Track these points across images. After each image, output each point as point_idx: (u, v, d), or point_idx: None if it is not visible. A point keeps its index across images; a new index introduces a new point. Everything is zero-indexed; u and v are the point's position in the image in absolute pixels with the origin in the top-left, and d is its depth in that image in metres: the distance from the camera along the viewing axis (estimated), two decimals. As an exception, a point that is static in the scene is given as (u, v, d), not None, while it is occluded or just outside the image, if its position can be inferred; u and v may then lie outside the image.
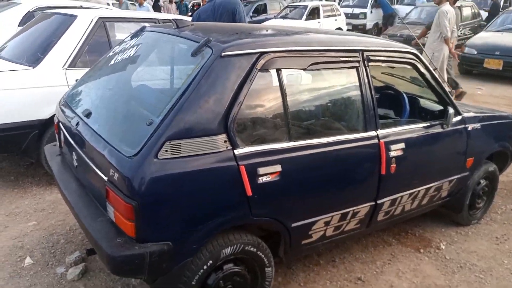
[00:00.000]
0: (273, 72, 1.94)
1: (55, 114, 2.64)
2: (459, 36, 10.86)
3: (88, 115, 2.09)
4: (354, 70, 2.25)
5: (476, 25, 11.38)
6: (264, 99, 1.95)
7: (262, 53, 1.90)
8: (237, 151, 1.80)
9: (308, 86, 2.19)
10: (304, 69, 2.04)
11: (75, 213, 1.97)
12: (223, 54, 1.81)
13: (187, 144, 1.69)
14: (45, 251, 2.78)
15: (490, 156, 3.19)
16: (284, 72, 1.97)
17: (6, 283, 2.44)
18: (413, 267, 2.78)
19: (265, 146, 1.89)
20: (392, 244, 3.03)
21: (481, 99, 7.29)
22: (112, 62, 2.45)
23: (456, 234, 3.22)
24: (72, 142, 2.17)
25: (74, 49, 3.62)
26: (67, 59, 3.58)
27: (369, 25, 15.15)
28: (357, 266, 2.76)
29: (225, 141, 1.77)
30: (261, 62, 1.89)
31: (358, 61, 2.25)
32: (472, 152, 2.92)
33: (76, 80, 3.47)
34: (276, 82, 1.95)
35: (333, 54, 2.15)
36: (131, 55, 2.35)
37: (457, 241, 3.12)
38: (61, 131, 2.42)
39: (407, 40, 8.21)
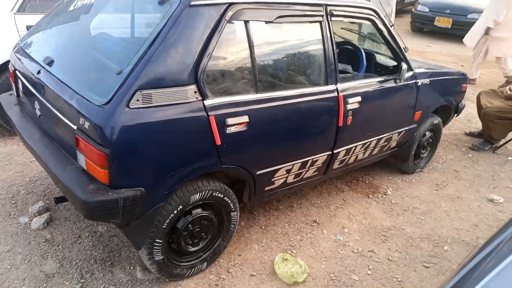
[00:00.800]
0: (241, 23, 1.97)
1: (9, 62, 2.52)
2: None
3: (50, 63, 2.03)
4: (318, 24, 2.32)
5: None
6: (232, 51, 1.98)
7: (231, 4, 1.91)
8: (206, 102, 1.86)
9: (274, 40, 2.24)
10: (271, 22, 2.08)
11: (43, 162, 1.97)
12: (192, 3, 1.81)
13: (158, 94, 1.72)
14: (6, 202, 2.75)
15: (435, 110, 3.46)
16: (251, 24, 2.00)
17: (-32, 234, 2.43)
18: (363, 210, 3.05)
19: (234, 98, 1.96)
20: (344, 191, 3.28)
21: (430, 56, 7.66)
22: (72, 8, 2.34)
23: (401, 181, 3.53)
24: (33, 91, 2.11)
25: (23, -9, 3.39)
26: (15, 3, 3.35)
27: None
28: (313, 210, 2.98)
29: (195, 92, 1.82)
30: (230, 13, 1.91)
31: (322, 16, 2.32)
32: (421, 106, 3.15)
33: (27, 26, 3.31)
34: (244, 34, 1.98)
35: (298, 7, 2.20)
36: (92, 2, 2.26)
37: (402, 187, 3.43)
38: (19, 80, 2.33)
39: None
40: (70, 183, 1.76)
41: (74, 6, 2.33)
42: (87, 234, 2.51)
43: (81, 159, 1.79)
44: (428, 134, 3.54)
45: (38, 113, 2.13)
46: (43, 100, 2.02)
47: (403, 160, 3.48)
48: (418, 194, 3.34)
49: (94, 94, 1.73)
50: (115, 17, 2.28)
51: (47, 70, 2.01)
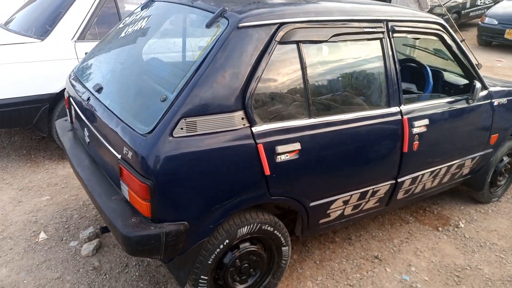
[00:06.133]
0: (293, 44, 1.83)
1: (65, 88, 2.57)
2: (479, 5, 10.45)
3: (99, 90, 2.01)
4: (378, 41, 2.12)
5: (497, -7, 10.89)
6: (283, 73, 1.83)
7: (282, 24, 1.78)
8: (254, 129, 1.72)
9: (329, 60, 2.07)
10: (326, 41, 1.91)
11: (88, 190, 1.92)
12: (240, 25, 1.70)
13: (203, 122, 1.61)
14: (59, 226, 2.77)
15: (514, 132, 3.07)
16: (304, 45, 1.85)
17: (21, 258, 2.45)
18: (432, 245, 2.72)
19: (284, 123, 1.80)
20: (409, 222, 2.97)
21: (501, 72, 7.04)
22: (123, 34, 2.34)
23: (475, 212, 3.14)
24: (83, 117, 2.10)
25: (83, 21, 3.53)
26: (76, 31, 3.49)
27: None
28: (374, 244, 2.71)
29: (242, 118, 1.69)
30: (280, 33, 1.77)
31: (382, 32, 2.12)
32: (497, 128, 2.80)
33: (86, 53, 3.41)
34: (296, 55, 1.83)
35: (356, 24, 2.02)
36: (142, 27, 2.24)
37: (477, 219, 3.05)
38: (72, 106, 2.35)
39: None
40: (112, 214, 1.68)
41: (124, 33, 2.33)
42: (134, 263, 2.43)
43: (125, 190, 1.71)
44: (506, 159, 3.14)
45: (87, 140, 2.11)
46: (91, 127, 1.99)
47: (477, 188, 3.10)
48: (496, 228, 2.94)
49: (138, 122, 1.66)
50: (163, 42, 2.23)
51: (95, 97, 1.99)
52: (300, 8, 1.90)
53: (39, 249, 2.54)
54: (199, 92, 1.60)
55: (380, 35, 2.12)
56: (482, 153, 2.81)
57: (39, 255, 2.48)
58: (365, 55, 2.19)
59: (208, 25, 1.77)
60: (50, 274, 2.34)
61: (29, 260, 2.44)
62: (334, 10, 2.00)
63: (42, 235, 2.65)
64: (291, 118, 1.83)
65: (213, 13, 1.80)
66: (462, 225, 2.95)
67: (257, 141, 1.71)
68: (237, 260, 1.95)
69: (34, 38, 3.41)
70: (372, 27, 2.08)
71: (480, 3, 10.53)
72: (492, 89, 2.73)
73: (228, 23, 1.71)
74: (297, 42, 1.83)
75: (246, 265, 1.99)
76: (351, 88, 2.16)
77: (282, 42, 1.78)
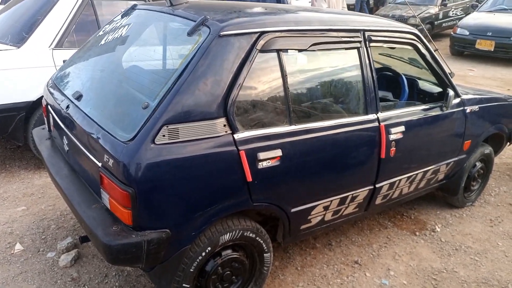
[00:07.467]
0: (274, 52, 1.86)
1: (43, 96, 2.53)
2: (451, 16, 10.81)
3: (78, 97, 1.99)
4: (355, 50, 2.18)
5: (468, 5, 11.30)
6: (264, 81, 1.87)
7: (262, 33, 1.82)
8: (236, 136, 1.74)
9: (308, 68, 2.11)
10: (305, 50, 1.96)
11: (67, 199, 1.90)
12: (221, 33, 1.73)
13: (185, 129, 1.62)
14: (36, 237, 2.71)
15: (485, 139, 3.18)
16: (284, 53, 1.89)
17: (-4, 271, 2.38)
18: (409, 250, 2.78)
19: (266, 130, 1.82)
20: (387, 227, 3.02)
21: (473, 81, 7.29)
22: (103, 42, 2.33)
23: (450, 216, 3.22)
24: (62, 125, 2.07)
25: (61, 28, 3.48)
26: (54, 39, 3.44)
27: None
28: (354, 249, 2.75)
29: (224, 125, 1.71)
30: (261, 42, 1.81)
31: (360, 42, 2.18)
32: (470, 135, 2.90)
33: (64, 61, 3.36)
34: (276, 63, 1.87)
35: (334, 34, 2.07)
36: (122, 35, 2.24)
37: (452, 223, 3.13)
38: (50, 114, 2.32)
39: (400, 20, 8.11)
40: (92, 223, 1.66)
41: (104, 41, 2.32)
42: (114, 273, 2.39)
43: (105, 198, 1.70)
44: (478, 164, 3.24)
45: (66, 148, 2.08)
46: (70, 135, 1.97)
47: (452, 193, 3.19)
48: (471, 231, 3.03)
49: (119, 130, 1.65)
50: (144, 50, 2.23)
51: (75, 105, 1.97)
52: (280, 17, 1.95)
53: (14, 261, 2.47)
54: (181, 99, 1.61)
55: (358, 45, 2.18)
56: (456, 158, 2.91)
57: (14, 267, 2.41)
58: (343, 63, 2.25)
59: (190, 33, 1.79)
60: (26, 286, 2.28)
61: (4, 272, 2.37)
62: (313, 20, 2.05)
63: (18, 247, 2.59)
64: (272, 125, 1.86)
65: (195, 21, 1.82)
66: (438, 229, 3.03)
67: (239, 148, 1.73)
68: (219, 268, 1.95)
69: (10, 45, 3.34)
70: (349, 37, 2.14)
71: (452, 14, 10.91)
72: (464, 97, 2.83)
73: (210, 32, 1.74)
74: (278, 51, 1.87)
75: (228, 272, 1.99)
76: (330, 96, 2.21)
77: (263, 50, 1.82)
